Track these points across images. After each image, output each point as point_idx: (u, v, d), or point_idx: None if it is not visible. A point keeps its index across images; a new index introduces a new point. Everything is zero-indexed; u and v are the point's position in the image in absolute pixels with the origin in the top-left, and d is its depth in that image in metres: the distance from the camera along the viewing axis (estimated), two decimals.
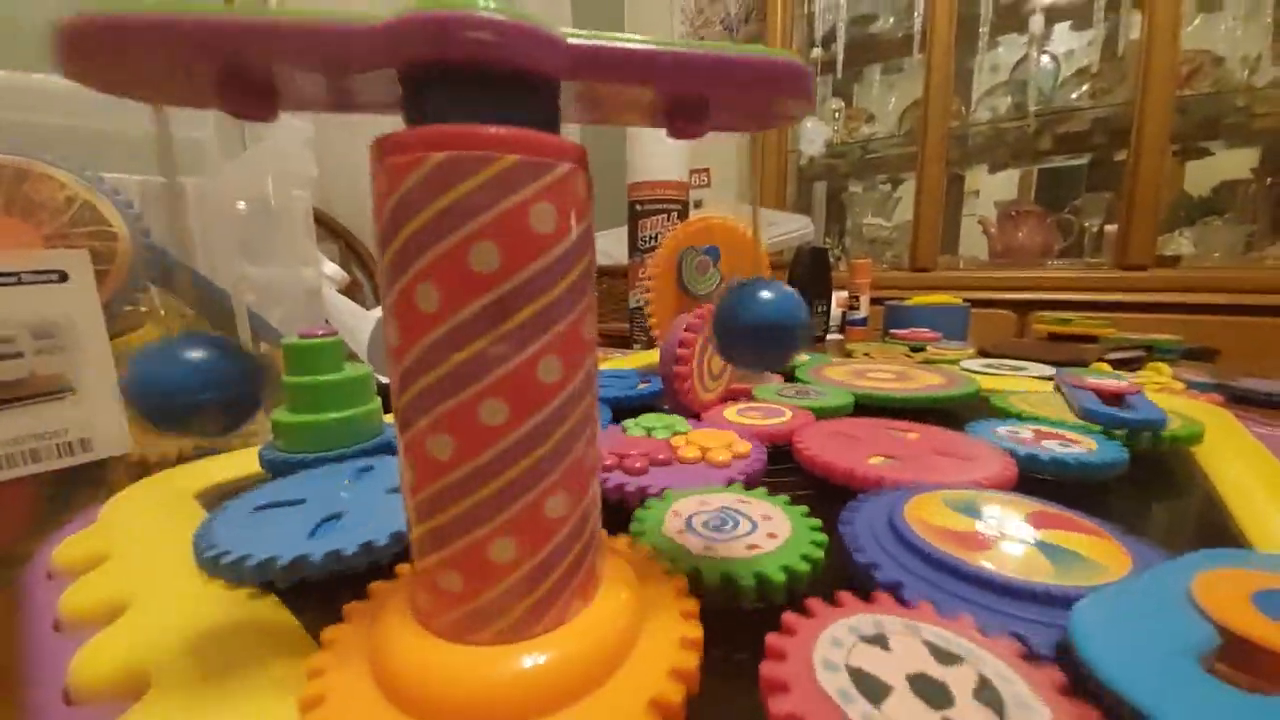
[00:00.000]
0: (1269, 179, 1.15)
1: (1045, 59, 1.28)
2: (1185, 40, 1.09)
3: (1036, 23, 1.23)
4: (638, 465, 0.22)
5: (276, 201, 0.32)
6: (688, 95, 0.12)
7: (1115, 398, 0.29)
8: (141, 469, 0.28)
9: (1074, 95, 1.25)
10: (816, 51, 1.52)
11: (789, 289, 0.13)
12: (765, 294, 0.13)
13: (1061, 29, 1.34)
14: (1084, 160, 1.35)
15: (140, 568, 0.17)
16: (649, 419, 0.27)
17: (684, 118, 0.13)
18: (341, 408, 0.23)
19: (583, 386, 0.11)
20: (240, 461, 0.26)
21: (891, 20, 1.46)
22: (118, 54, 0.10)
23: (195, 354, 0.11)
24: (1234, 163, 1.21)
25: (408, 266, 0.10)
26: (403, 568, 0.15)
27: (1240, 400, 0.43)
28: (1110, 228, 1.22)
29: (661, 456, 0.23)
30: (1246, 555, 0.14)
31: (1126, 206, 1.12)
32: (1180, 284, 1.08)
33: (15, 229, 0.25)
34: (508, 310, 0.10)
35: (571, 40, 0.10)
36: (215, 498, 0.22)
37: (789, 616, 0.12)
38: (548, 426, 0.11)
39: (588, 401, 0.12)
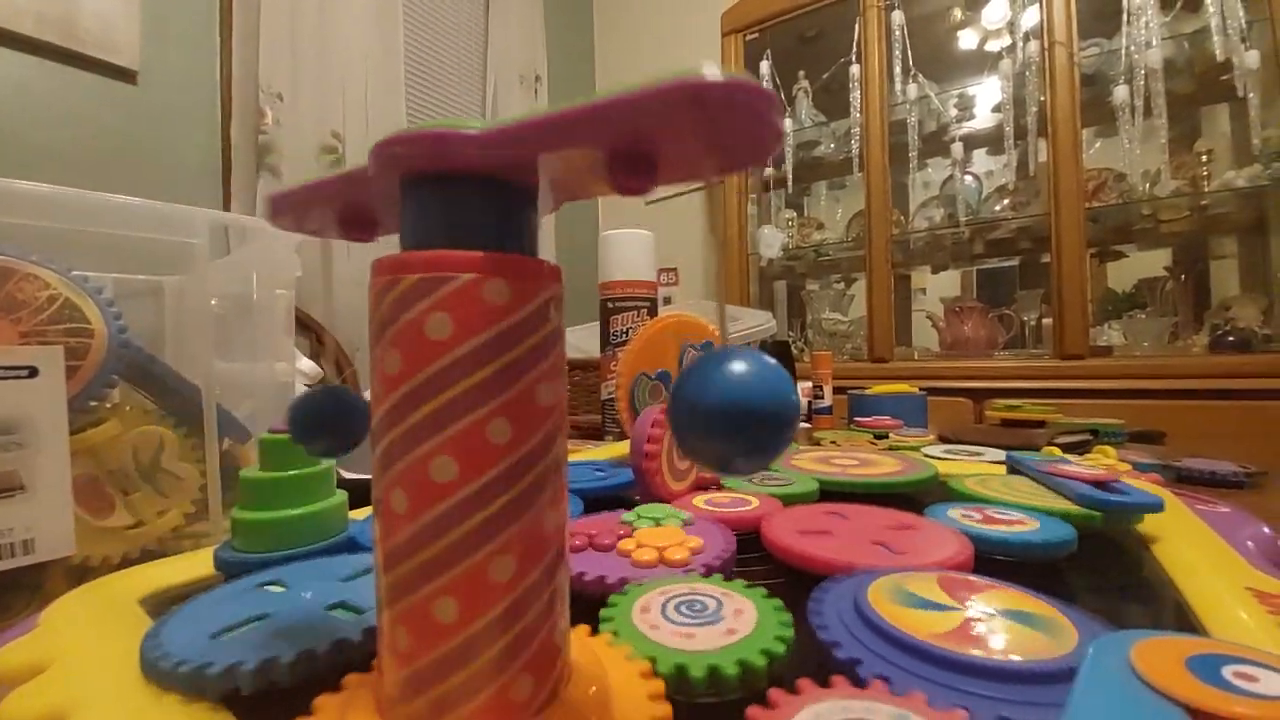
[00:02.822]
0: (1182, 276, 1.29)
1: (969, 178, 1.45)
2: (1089, 160, 1.26)
3: (957, 149, 1.40)
4: (606, 542, 0.22)
5: (259, 299, 0.34)
6: (628, 149, 0.11)
7: (1102, 484, 0.30)
8: (82, 573, 0.27)
9: (997, 208, 1.41)
10: (769, 170, 1.68)
11: (770, 361, 0.10)
12: (739, 367, 0.10)
13: (980, 153, 1.53)
14: (1015, 262, 1.49)
15: (81, 677, 0.16)
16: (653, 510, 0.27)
17: (628, 173, 0.11)
18: (306, 503, 0.23)
19: (488, 489, 0.11)
20: (188, 564, 0.24)
21: (832, 146, 1.65)
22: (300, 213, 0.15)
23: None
24: (1148, 263, 1.35)
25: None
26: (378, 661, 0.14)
27: (1183, 480, 0.45)
28: (1047, 321, 1.32)
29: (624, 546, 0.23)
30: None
31: (1057, 303, 1.23)
32: (1115, 372, 1.16)
33: None
34: (406, 409, 0.11)
35: (477, 130, 0.11)
36: (162, 603, 0.21)
37: (753, 710, 0.12)
38: (446, 520, 0.11)
39: (503, 502, 0.11)
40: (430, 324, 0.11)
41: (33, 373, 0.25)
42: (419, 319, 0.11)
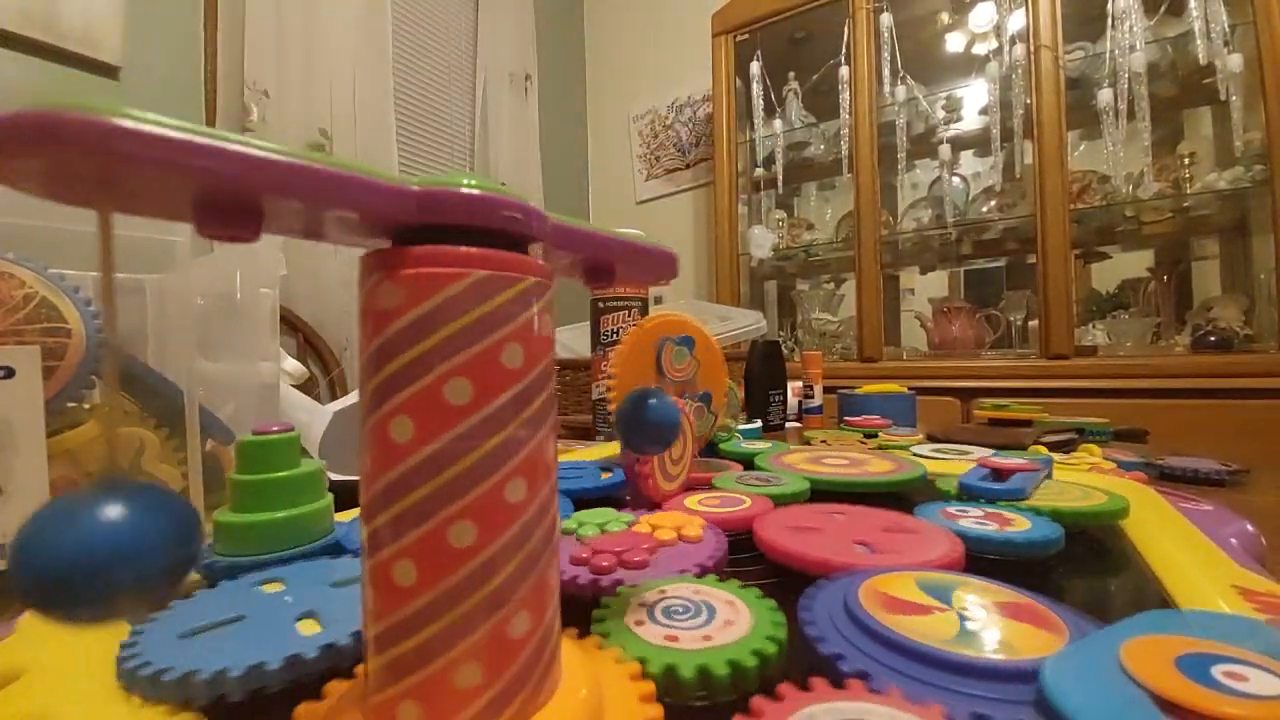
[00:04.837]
0: (1164, 277, 1.31)
1: (956, 180, 1.46)
2: (1074, 163, 1.27)
3: (944, 151, 1.41)
4: (604, 564, 0.21)
5: (243, 298, 0.33)
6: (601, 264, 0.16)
7: (1002, 474, 0.31)
8: None
9: (984, 209, 1.42)
10: (759, 171, 1.68)
11: (665, 399, 0.20)
12: (652, 401, 0.20)
13: (966, 155, 1.55)
14: (1002, 263, 1.50)
15: (57, 684, 0.15)
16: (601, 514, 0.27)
17: (595, 279, 0.17)
18: (290, 506, 0.23)
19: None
20: None
21: (822, 147, 1.65)
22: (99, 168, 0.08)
23: (121, 511, 0.08)
24: (1131, 264, 1.37)
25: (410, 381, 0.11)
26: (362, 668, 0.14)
27: (1166, 477, 0.46)
28: (1033, 322, 1.34)
29: (620, 550, 0.23)
30: (1165, 617, 0.14)
31: (1042, 303, 1.24)
32: (1100, 371, 1.17)
33: None
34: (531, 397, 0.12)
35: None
36: None
37: (757, 700, 0.12)
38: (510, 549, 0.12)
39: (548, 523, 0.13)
40: (539, 325, 0.12)
41: (9, 373, 0.24)
42: (534, 319, 0.12)
